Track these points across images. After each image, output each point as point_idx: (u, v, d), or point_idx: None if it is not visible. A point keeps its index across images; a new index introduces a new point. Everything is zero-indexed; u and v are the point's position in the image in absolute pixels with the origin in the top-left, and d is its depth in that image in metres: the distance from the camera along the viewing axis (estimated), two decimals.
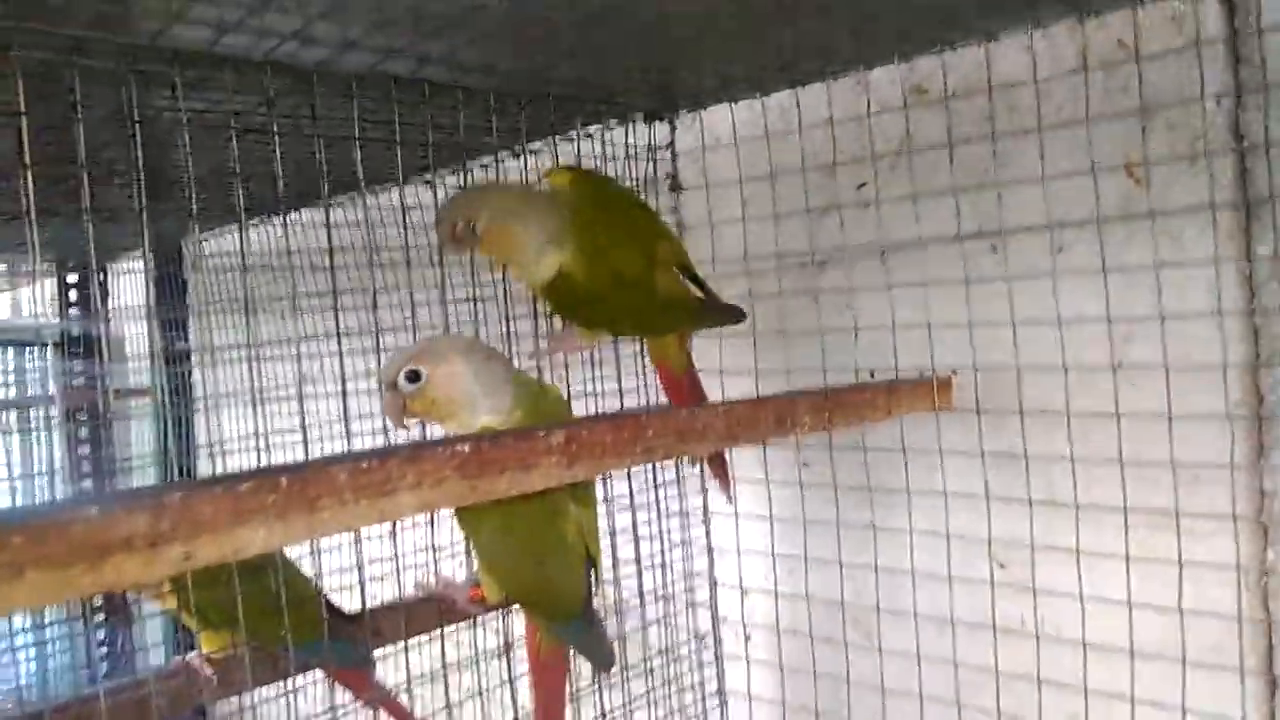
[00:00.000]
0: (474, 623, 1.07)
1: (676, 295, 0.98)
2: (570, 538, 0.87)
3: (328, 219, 0.85)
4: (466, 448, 0.60)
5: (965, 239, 1.00)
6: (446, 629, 1.10)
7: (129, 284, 1.99)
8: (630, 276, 0.93)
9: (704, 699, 1.22)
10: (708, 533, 1.23)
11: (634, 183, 1.16)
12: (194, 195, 0.80)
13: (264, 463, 0.82)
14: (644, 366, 1.13)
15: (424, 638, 1.06)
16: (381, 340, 0.96)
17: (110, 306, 1.96)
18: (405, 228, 0.91)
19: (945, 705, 1.06)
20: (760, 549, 1.20)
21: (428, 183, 0.97)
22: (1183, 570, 0.90)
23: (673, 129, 1.19)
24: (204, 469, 1.84)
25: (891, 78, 1.05)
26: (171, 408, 1.85)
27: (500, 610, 1.01)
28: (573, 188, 0.94)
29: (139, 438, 2.02)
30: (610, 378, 1.11)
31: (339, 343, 0.87)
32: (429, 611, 1.03)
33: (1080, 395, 0.95)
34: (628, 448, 0.69)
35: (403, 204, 0.91)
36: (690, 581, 1.22)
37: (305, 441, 0.86)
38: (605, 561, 1.02)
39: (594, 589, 0.91)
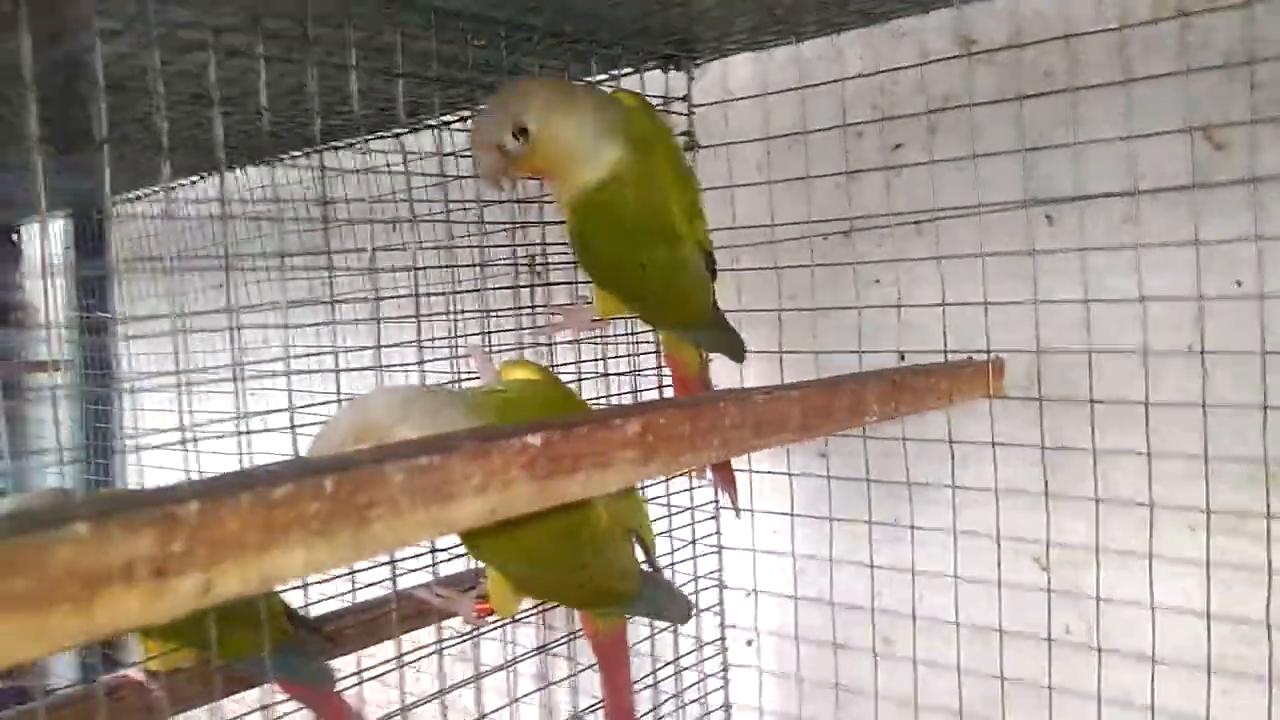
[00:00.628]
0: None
1: (701, 281, 0.87)
2: (602, 529, 0.75)
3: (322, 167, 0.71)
4: (538, 440, 0.48)
5: (1016, 207, 0.90)
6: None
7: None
8: (669, 225, 0.81)
9: (707, 715, 1.11)
10: (718, 530, 1.12)
11: None
12: (166, 133, 0.65)
13: (188, 461, 0.68)
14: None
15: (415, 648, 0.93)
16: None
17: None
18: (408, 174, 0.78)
19: None
20: (775, 548, 1.10)
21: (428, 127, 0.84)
22: (1258, 576, 0.83)
23: (690, 78, 1.07)
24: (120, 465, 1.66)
25: (938, 24, 0.95)
26: (86, 385, 1.66)
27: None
28: (634, 106, 0.83)
29: (52, 424, 1.82)
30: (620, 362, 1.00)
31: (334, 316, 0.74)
32: (406, 615, 0.91)
33: (1142, 383, 0.87)
34: (705, 440, 0.58)
35: (403, 151, 0.78)
36: (697, 584, 1.11)
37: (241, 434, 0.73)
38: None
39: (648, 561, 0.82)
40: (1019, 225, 0.93)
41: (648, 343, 1.07)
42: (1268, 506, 0.80)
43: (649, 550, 0.82)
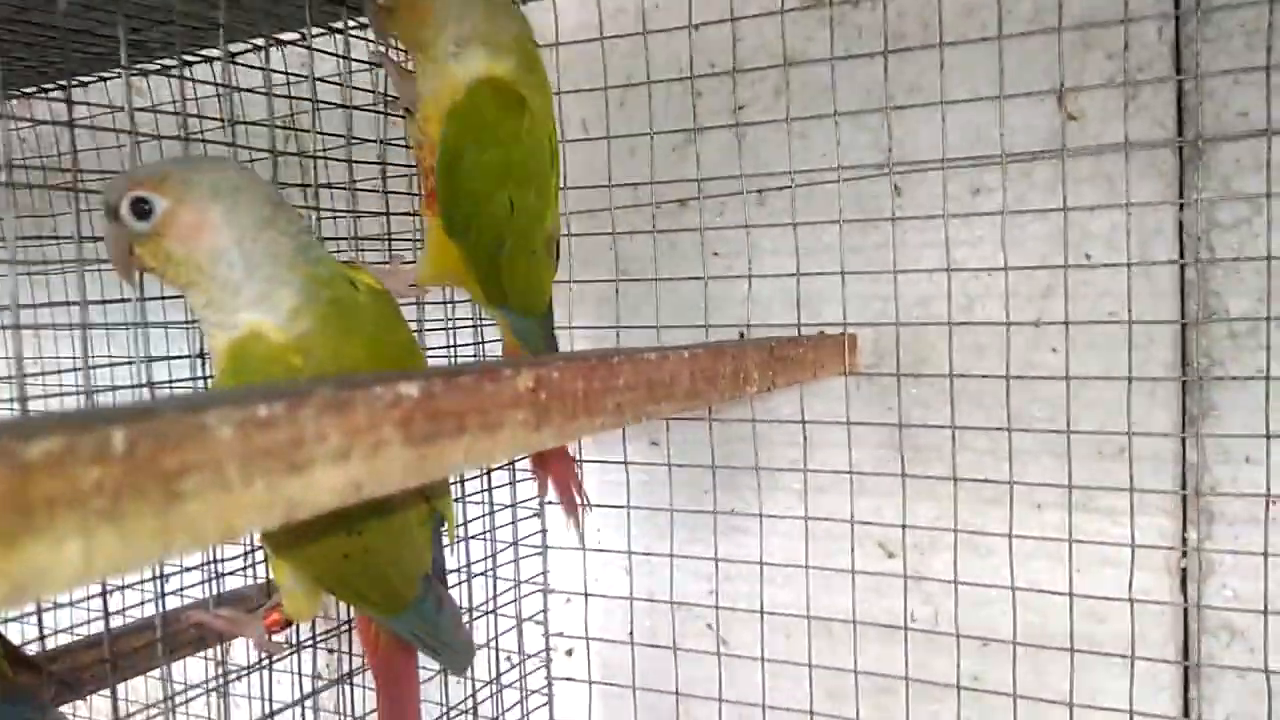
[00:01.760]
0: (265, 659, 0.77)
1: (551, 261, 0.76)
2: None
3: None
4: (414, 390, 0.35)
5: (876, 174, 0.86)
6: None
7: None
8: (545, 170, 0.70)
9: None
10: (543, 528, 1.01)
11: None
12: None
13: None
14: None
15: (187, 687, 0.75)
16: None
17: None
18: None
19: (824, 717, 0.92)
20: (604, 546, 1.00)
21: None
22: (1101, 551, 0.82)
23: None
24: None
25: None
26: None
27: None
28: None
29: None
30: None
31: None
32: (176, 645, 0.74)
33: (988, 358, 0.84)
34: (600, 401, 0.47)
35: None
36: (519, 590, 0.98)
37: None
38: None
39: (443, 552, 0.67)
40: (865, 195, 0.88)
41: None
42: (1131, 480, 0.79)
43: (449, 538, 0.68)
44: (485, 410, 0.39)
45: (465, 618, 0.93)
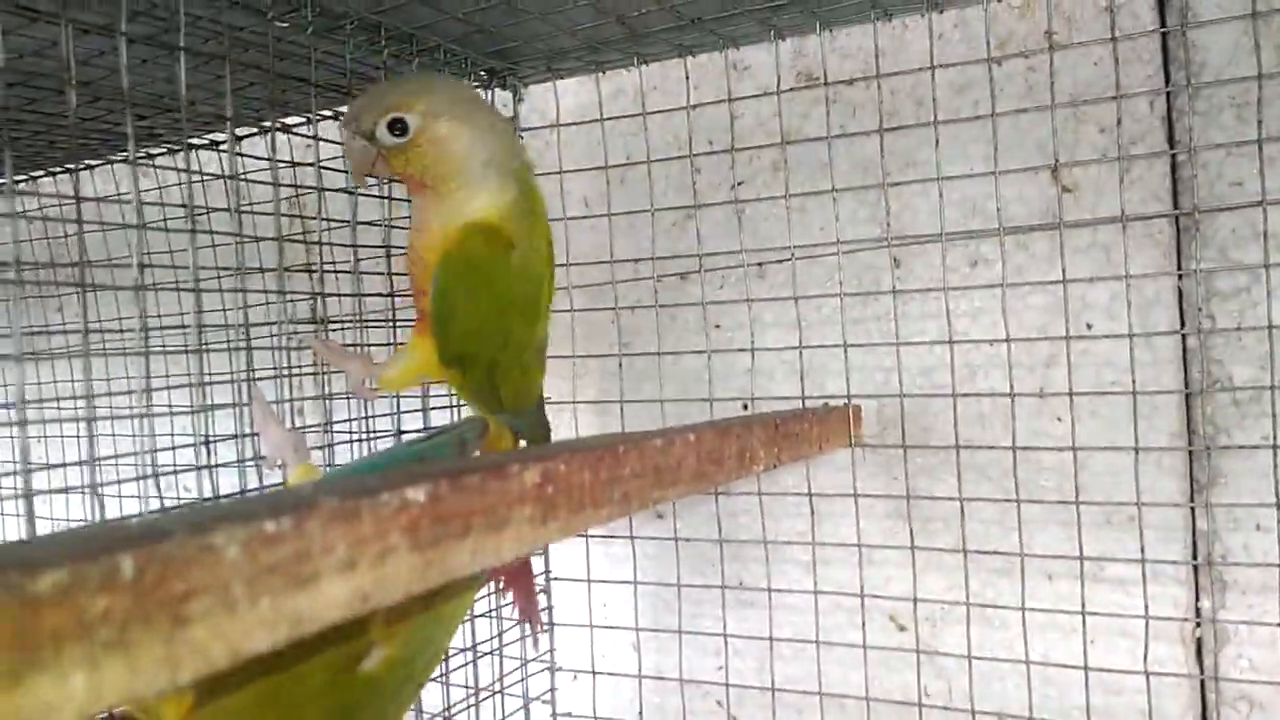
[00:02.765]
0: None
1: (541, 369, 0.76)
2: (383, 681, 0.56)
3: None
4: (421, 495, 0.35)
5: (875, 246, 0.86)
6: None
7: None
8: (538, 301, 0.71)
9: None
10: (549, 605, 1.00)
11: None
12: None
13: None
14: None
15: None
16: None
17: None
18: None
19: None
20: (610, 623, 0.99)
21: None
22: (1115, 623, 0.81)
23: (517, 97, 0.97)
24: None
25: (770, 59, 0.90)
26: None
27: None
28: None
29: None
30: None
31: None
32: None
33: (991, 428, 0.84)
34: (606, 492, 0.47)
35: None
36: (525, 669, 0.97)
37: None
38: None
39: None
40: (865, 268, 0.89)
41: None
42: (1142, 549, 0.78)
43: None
44: (492, 509, 0.39)
45: (472, 698, 0.92)
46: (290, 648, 0.49)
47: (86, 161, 1.12)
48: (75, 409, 0.60)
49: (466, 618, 0.92)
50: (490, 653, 0.93)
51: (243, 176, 0.74)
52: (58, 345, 1.00)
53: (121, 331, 0.96)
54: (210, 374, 0.70)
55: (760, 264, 0.94)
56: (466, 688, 0.92)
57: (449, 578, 0.37)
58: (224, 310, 0.85)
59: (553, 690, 1.00)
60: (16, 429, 0.54)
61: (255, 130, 0.95)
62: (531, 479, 0.41)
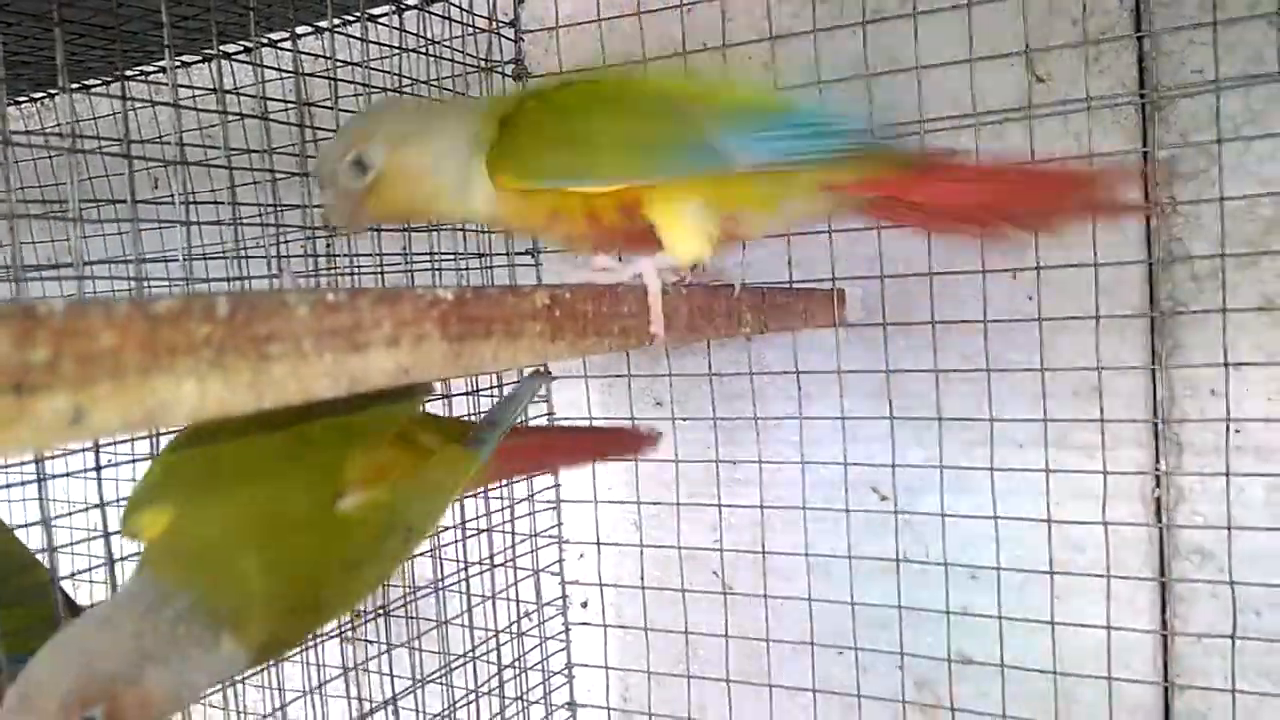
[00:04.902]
0: None
1: None
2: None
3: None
4: (449, 295, 0.41)
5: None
6: None
7: None
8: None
9: (548, 678, 1.05)
10: (556, 483, 1.07)
11: (470, 66, 0.97)
12: None
13: None
14: None
15: None
16: None
17: None
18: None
19: (832, 650, 0.98)
20: (614, 498, 1.06)
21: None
22: (1080, 484, 0.88)
23: (518, 2, 1.01)
24: None
25: None
26: None
27: None
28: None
29: None
30: None
31: None
32: None
33: (971, 309, 0.90)
34: (608, 324, 0.53)
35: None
36: (535, 542, 1.04)
37: None
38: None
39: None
40: None
41: None
42: (1101, 410, 0.84)
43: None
44: (509, 320, 0.45)
45: (487, 564, 0.99)
46: (277, 458, 0.56)
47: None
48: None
49: (479, 494, 0.99)
50: (501, 525, 1.01)
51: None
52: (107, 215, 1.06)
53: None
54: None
55: None
56: (480, 563, 0.99)
57: (476, 370, 0.43)
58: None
59: (560, 562, 1.07)
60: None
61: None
62: (542, 300, 0.48)
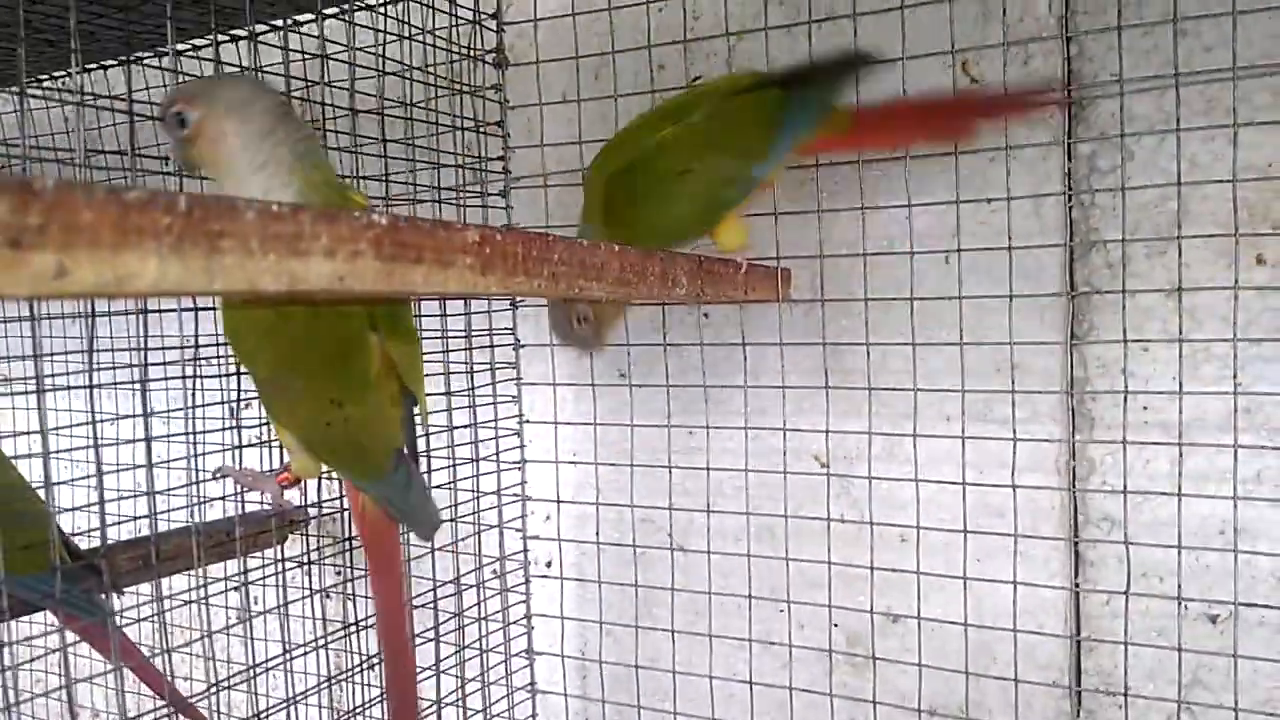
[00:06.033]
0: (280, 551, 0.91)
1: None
2: (373, 371, 0.73)
3: None
4: (383, 220, 0.49)
5: None
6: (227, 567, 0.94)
7: None
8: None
9: (507, 626, 1.12)
10: (521, 444, 1.14)
11: (453, 55, 1.05)
12: None
13: None
14: None
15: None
16: None
17: None
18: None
19: (770, 605, 1.05)
20: (576, 458, 1.14)
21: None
22: (1001, 455, 0.95)
23: None
24: None
25: None
26: None
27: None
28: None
29: None
30: None
31: None
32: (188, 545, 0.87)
33: (907, 292, 0.97)
34: (537, 267, 0.61)
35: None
36: (500, 498, 1.12)
37: None
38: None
39: (415, 433, 0.79)
40: None
41: None
42: (1012, 382, 0.92)
43: (422, 418, 0.80)
44: (439, 249, 0.53)
45: (451, 522, 1.07)
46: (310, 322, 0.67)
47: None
48: None
49: (448, 462, 1.07)
50: (470, 485, 1.08)
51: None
52: None
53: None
54: None
55: None
56: (450, 520, 1.07)
57: (408, 288, 0.51)
58: None
59: (523, 517, 1.15)
60: None
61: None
62: (472, 237, 0.55)
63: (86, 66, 1.15)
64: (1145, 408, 0.92)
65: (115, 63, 1.13)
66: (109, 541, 0.99)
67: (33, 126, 1.39)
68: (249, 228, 0.42)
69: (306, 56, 0.95)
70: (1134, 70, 0.88)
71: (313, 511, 0.97)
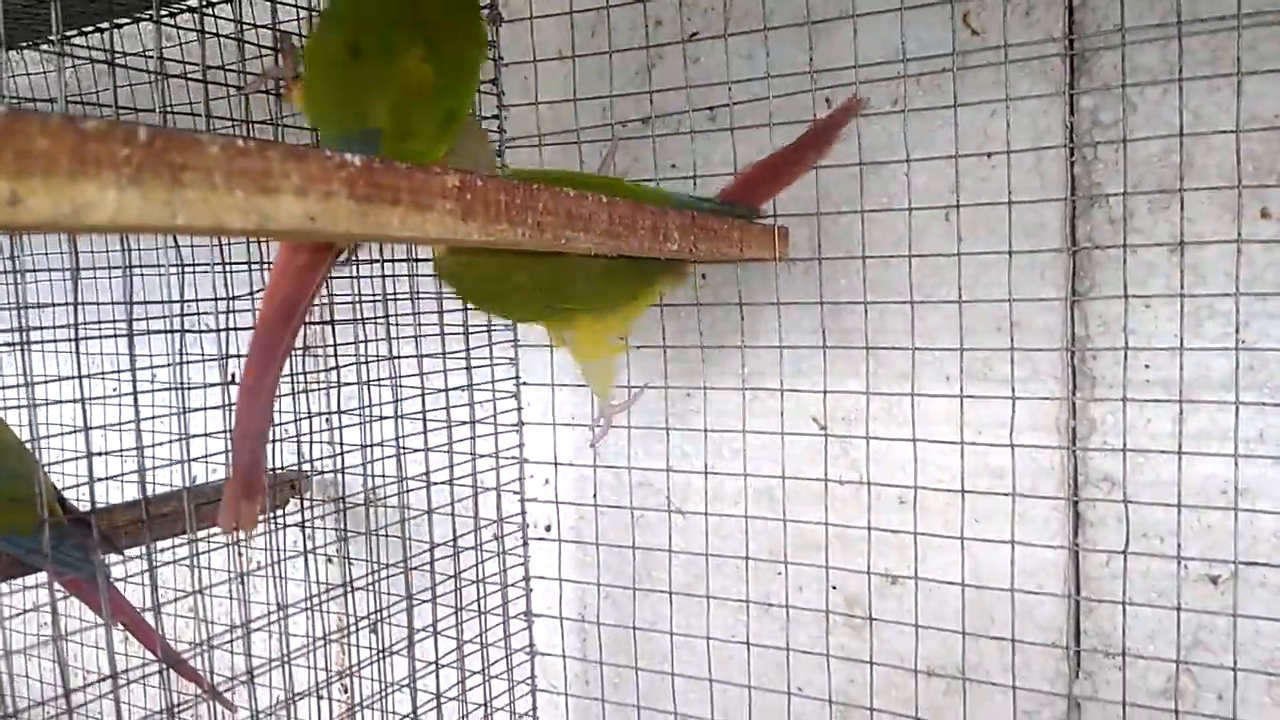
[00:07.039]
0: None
1: None
2: None
3: None
4: (357, 161, 0.48)
5: (803, 92, 0.97)
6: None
7: None
8: None
9: (506, 589, 1.12)
10: (519, 406, 1.14)
11: None
12: None
13: None
14: None
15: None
16: None
17: None
18: None
19: (769, 566, 1.04)
20: (574, 420, 1.13)
21: None
22: (999, 415, 0.94)
23: None
24: None
25: None
26: None
27: None
28: None
29: None
30: None
31: None
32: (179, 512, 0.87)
33: (905, 247, 0.96)
34: (520, 215, 0.60)
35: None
36: (498, 460, 1.12)
37: None
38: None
39: None
40: (801, 108, 1.00)
41: None
42: (1012, 340, 0.91)
43: None
44: (417, 192, 0.52)
45: (448, 484, 1.06)
46: None
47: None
48: None
49: (444, 423, 1.06)
50: (469, 438, 1.08)
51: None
52: None
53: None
54: None
55: (711, 108, 1.05)
56: (446, 482, 1.06)
57: (382, 231, 0.50)
58: None
59: (521, 480, 1.14)
60: None
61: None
62: (452, 182, 0.54)
63: (118, 22, 1.15)
64: (1147, 366, 0.90)
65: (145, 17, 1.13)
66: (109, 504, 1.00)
67: (44, 87, 1.38)
68: (212, 161, 0.41)
69: (315, 12, 0.95)
70: (1136, 19, 0.86)
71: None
